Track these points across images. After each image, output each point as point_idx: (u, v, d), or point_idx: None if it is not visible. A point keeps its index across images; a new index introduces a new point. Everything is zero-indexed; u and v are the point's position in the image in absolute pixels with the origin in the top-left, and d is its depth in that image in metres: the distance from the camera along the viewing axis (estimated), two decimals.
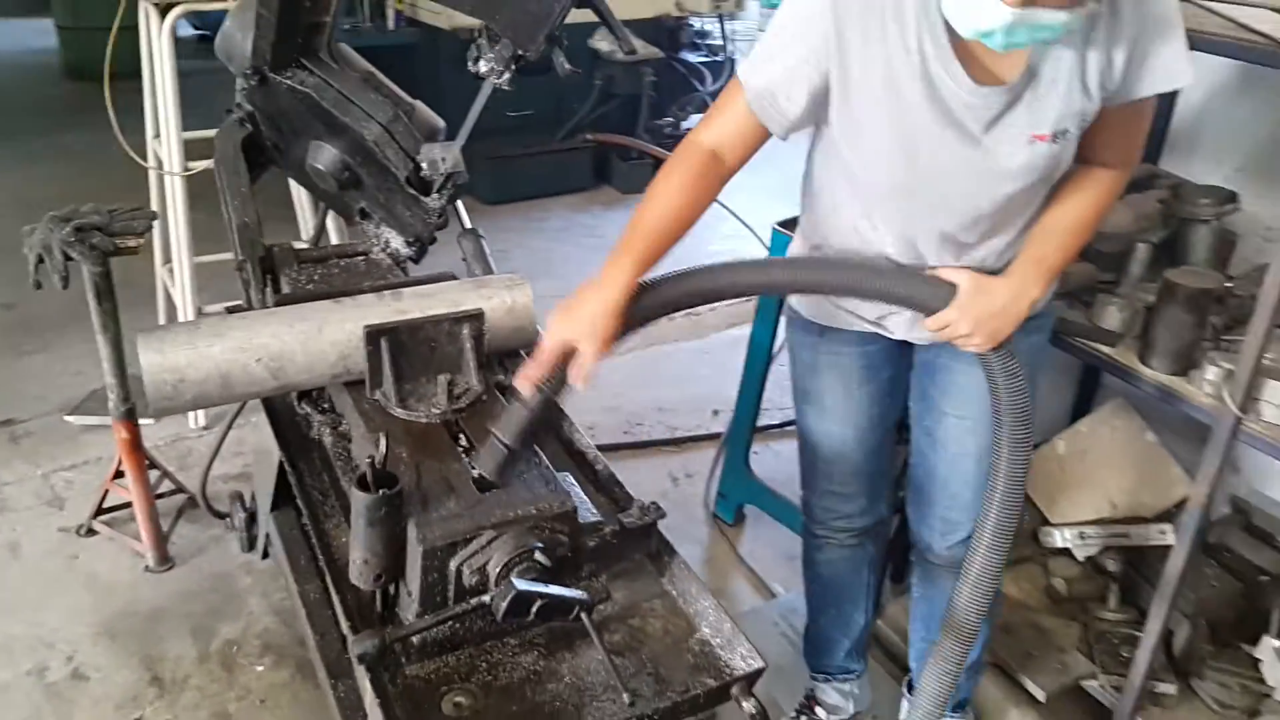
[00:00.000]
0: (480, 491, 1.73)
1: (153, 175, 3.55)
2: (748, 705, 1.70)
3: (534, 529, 1.68)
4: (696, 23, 7.06)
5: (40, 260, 2.45)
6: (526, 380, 1.64)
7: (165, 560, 2.91)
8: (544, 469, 1.80)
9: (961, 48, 1.58)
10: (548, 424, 1.82)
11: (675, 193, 1.72)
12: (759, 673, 1.73)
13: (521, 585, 1.61)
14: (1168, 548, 2.36)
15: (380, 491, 1.60)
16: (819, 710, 2.56)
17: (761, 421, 3.32)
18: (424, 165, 2.22)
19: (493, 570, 1.64)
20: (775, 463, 3.38)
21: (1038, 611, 2.74)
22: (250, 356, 1.89)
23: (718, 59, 6.93)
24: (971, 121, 1.63)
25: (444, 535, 1.63)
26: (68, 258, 2.44)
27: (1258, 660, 2.45)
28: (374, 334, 1.93)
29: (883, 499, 2.34)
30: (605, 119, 6.23)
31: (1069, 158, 1.73)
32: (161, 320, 3.85)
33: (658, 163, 5.73)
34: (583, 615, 1.68)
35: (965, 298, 1.72)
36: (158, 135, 3.43)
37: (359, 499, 1.60)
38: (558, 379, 1.64)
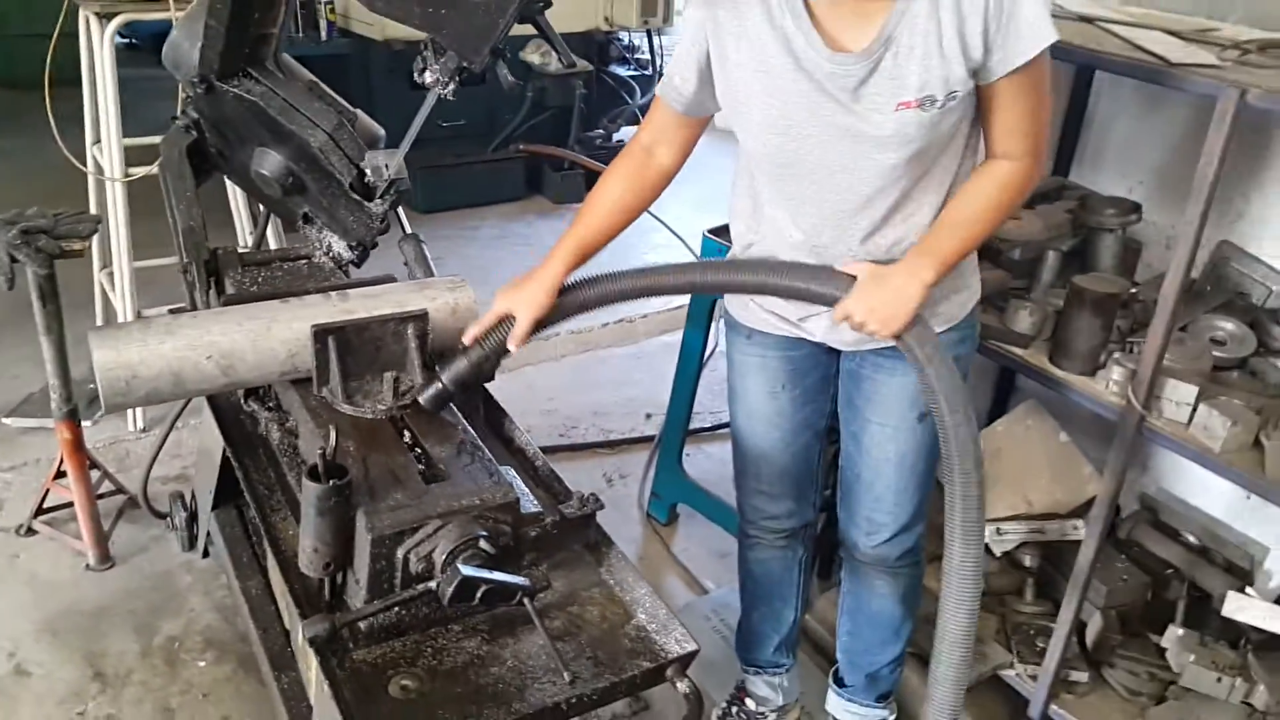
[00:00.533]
0: (426, 484, 1.81)
1: (92, 180, 3.56)
2: (682, 685, 1.79)
3: (478, 518, 1.76)
4: (625, 37, 7.19)
5: None
6: (470, 336, 1.92)
7: (106, 559, 2.93)
8: (487, 462, 1.88)
9: (819, 19, 1.70)
10: (481, 376, 1.99)
11: (614, 186, 1.96)
12: (693, 655, 1.82)
13: (467, 571, 1.68)
14: (1079, 542, 2.50)
15: (330, 482, 1.66)
16: (749, 702, 2.66)
17: (694, 425, 3.43)
18: (368, 171, 2.28)
19: (439, 557, 1.71)
20: (708, 464, 3.48)
21: None
22: (201, 354, 1.94)
23: (646, 73, 7.07)
24: (837, 90, 1.73)
25: (392, 524, 1.70)
26: (13, 260, 2.47)
27: (1164, 649, 2.58)
28: (321, 333, 1.99)
29: (809, 501, 2.43)
30: (537, 130, 6.32)
31: (947, 129, 1.77)
32: (99, 324, 3.85)
33: (589, 173, 5.91)
34: (525, 600, 1.76)
35: (860, 287, 1.80)
36: (98, 141, 3.45)
37: (310, 489, 1.67)
38: (496, 339, 1.92)
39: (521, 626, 1.84)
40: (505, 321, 1.91)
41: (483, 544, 1.73)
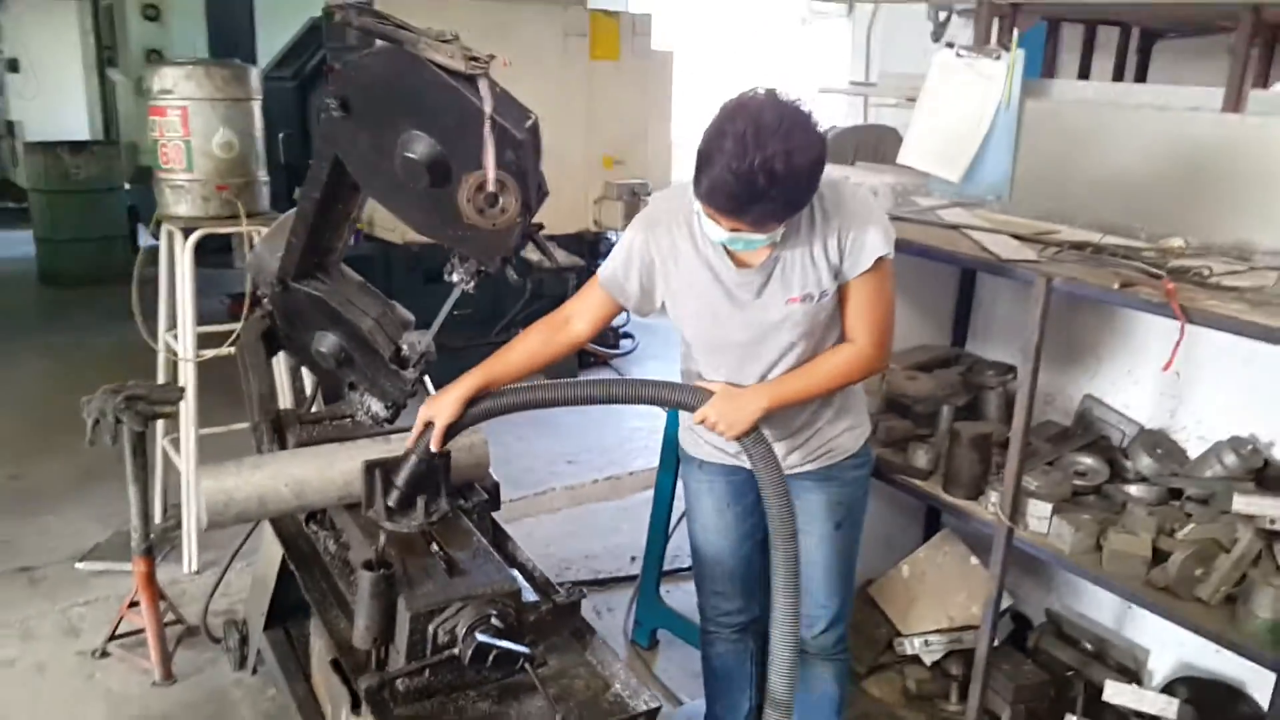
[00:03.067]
0: (450, 578, 2.39)
1: (162, 359, 4.23)
2: None
3: (490, 602, 2.33)
4: (612, 236, 8.04)
5: (96, 422, 3.11)
6: (407, 444, 2.53)
7: (170, 677, 3.45)
8: (496, 562, 2.47)
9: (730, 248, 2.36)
10: (426, 473, 2.57)
11: (532, 340, 2.61)
12: (657, 710, 2.36)
13: (482, 638, 2.25)
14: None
15: (380, 572, 2.26)
16: None
17: (674, 566, 3.99)
18: (404, 347, 2.94)
19: (460, 630, 2.28)
20: (685, 599, 4.02)
21: (896, 708, 3.37)
22: (280, 482, 2.55)
23: None
24: (744, 294, 2.39)
25: (425, 604, 2.28)
26: (118, 420, 3.10)
27: None
28: (370, 466, 2.61)
29: (756, 599, 2.90)
30: (535, 315, 6.98)
31: (824, 317, 2.40)
32: (158, 486, 4.45)
33: (582, 351, 6.59)
34: (526, 666, 2.32)
35: (716, 400, 2.38)
36: (172, 329, 4.13)
37: (365, 578, 2.25)
38: (424, 443, 2.49)
39: (524, 694, 2.39)
40: (428, 429, 2.47)
41: (494, 620, 2.30)
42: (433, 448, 2.50)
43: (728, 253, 2.37)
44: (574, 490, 4.92)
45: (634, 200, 6.95)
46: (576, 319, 2.61)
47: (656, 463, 3.80)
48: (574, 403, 2.55)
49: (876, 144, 4.69)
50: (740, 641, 2.94)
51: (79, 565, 4.12)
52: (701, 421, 2.42)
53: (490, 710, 2.34)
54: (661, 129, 7.37)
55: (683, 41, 8.25)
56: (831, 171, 2.27)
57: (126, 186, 9.64)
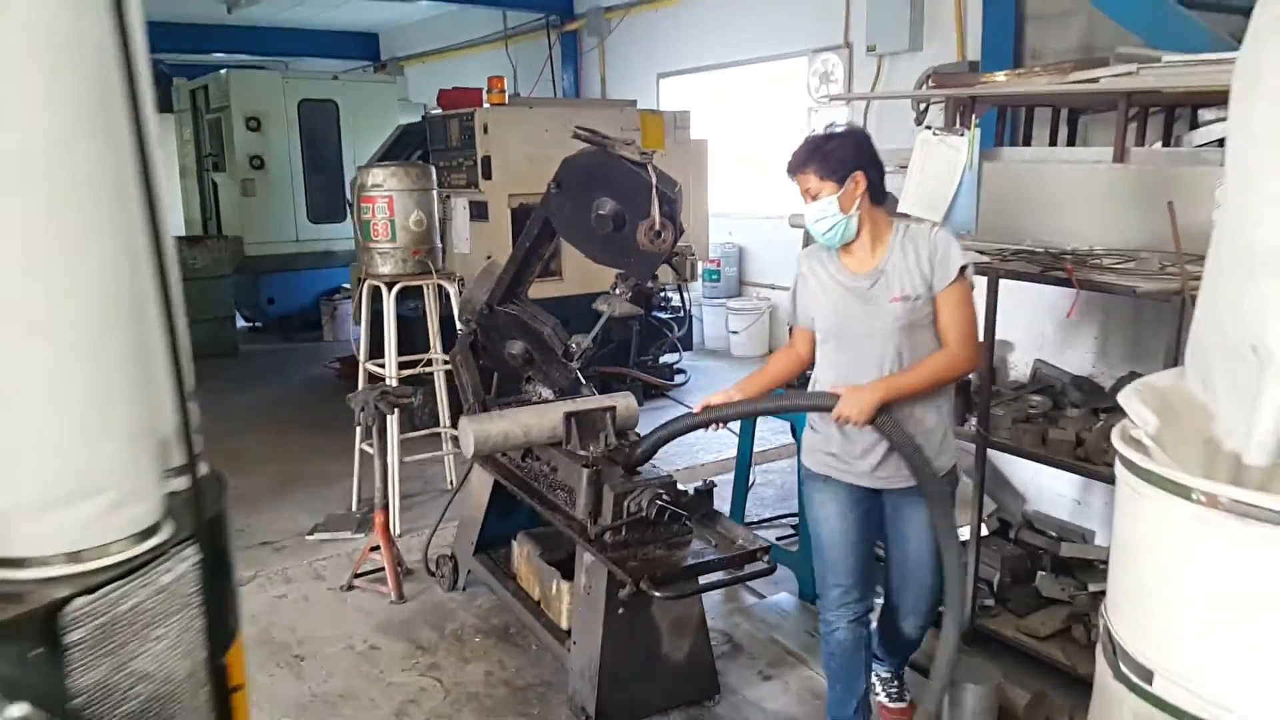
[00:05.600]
0: (630, 476, 3.81)
1: (363, 383, 5.70)
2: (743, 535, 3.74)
3: (660, 487, 3.75)
4: (664, 292, 9.53)
5: (362, 408, 4.56)
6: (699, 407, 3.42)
7: (403, 598, 4.84)
8: (658, 471, 3.89)
9: (844, 262, 3.23)
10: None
11: (779, 361, 3.55)
12: (768, 549, 3.76)
13: (660, 502, 3.67)
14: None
15: (595, 468, 3.69)
16: None
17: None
18: (572, 346, 4.39)
19: (644, 502, 3.69)
20: None
21: None
22: (516, 426, 4.00)
23: (679, 314, 9.33)
24: (857, 292, 3.18)
25: (622, 489, 3.70)
26: (378, 409, 4.55)
27: (1039, 589, 4.46)
28: (568, 415, 4.04)
29: (871, 592, 3.43)
30: (604, 356, 8.47)
31: (920, 318, 3.09)
32: (355, 477, 5.89)
33: (645, 385, 8.04)
34: (687, 522, 3.73)
35: (843, 398, 3.05)
36: (371, 358, 5.61)
37: (584, 474, 3.69)
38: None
39: (682, 545, 3.78)
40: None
41: (663, 497, 3.72)
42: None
43: (842, 264, 3.22)
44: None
45: (681, 259, 8.43)
46: (801, 345, 3.46)
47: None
48: (747, 416, 3.99)
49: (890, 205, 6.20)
50: (859, 628, 3.41)
51: (308, 536, 5.55)
52: (837, 418, 3.07)
53: (662, 554, 3.74)
54: (700, 201, 8.87)
55: (714, 130, 9.84)
56: None
57: (230, 274, 11.18)
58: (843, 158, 3.10)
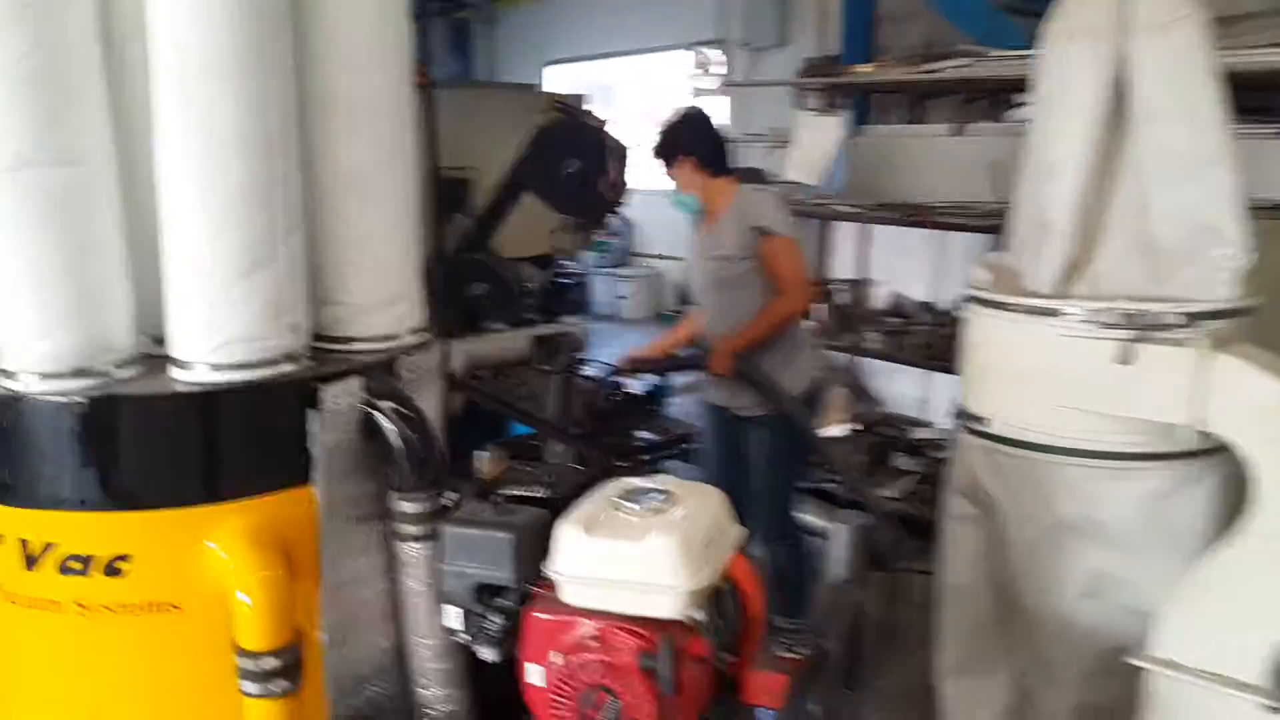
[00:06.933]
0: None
1: None
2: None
3: (613, 390, 4.77)
4: (564, 261, 10.51)
5: None
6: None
7: None
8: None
9: (702, 226, 3.81)
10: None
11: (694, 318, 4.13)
12: None
13: (615, 399, 4.70)
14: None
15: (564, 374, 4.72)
16: None
17: None
18: (526, 285, 5.36)
19: (603, 401, 4.72)
20: None
21: None
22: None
23: (580, 280, 10.29)
24: (702, 254, 3.78)
25: (584, 390, 4.72)
26: None
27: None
28: (536, 338, 5.04)
29: None
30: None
31: (735, 275, 3.59)
32: None
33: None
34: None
35: (712, 356, 3.61)
36: None
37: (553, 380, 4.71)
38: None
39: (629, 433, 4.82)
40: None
41: (617, 396, 4.74)
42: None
43: (699, 232, 3.87)
44: None
45: (579, 232, 9.44)
46: None
47: None
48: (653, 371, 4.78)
49: (754, 176, 7.34)
50: None
51: None
52: (709, 369, 3.66)
53: (619, 440, 4.76)
54: None
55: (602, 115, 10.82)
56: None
57: None
58: (668, 142, 3.66)
